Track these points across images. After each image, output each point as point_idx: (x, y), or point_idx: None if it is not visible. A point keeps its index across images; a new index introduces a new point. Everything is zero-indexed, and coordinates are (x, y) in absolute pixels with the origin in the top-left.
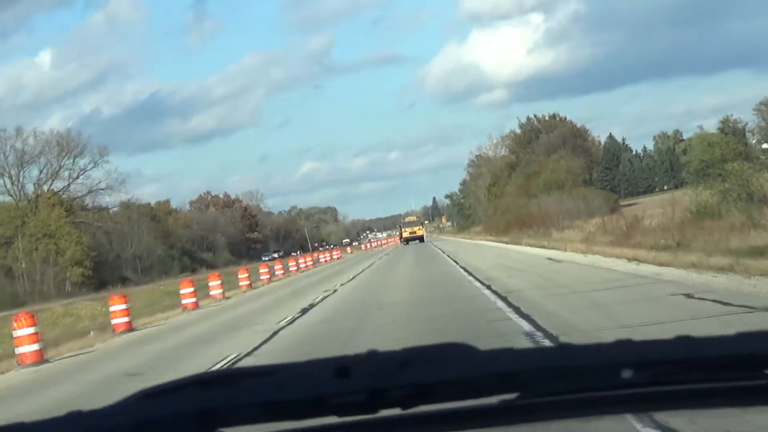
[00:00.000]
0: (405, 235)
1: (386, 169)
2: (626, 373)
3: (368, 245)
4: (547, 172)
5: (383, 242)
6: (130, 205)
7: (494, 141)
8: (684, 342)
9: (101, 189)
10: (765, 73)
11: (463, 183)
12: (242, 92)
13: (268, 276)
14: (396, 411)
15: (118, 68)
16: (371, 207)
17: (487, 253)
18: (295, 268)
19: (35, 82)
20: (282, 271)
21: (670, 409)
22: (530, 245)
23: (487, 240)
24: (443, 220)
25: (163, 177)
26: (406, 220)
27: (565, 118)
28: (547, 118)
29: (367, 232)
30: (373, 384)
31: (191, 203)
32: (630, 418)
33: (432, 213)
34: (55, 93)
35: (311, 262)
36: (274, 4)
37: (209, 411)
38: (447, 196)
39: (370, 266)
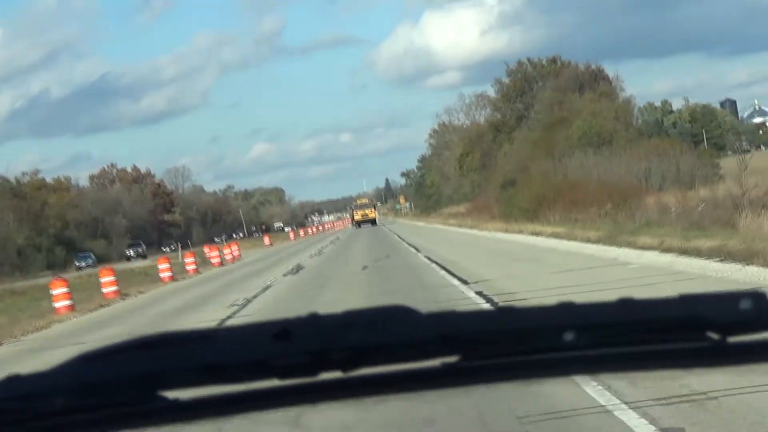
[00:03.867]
0: (357, 217)
1: (337, 151)
2: (568, 336)
3: (312, 230)
4: (583, 118)
5: (328, 226)
6: None
7: (466, 101)
8: (626, 304)
9: None
10: (716, 57)
11: (422, 159)
12: (193, 73)
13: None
14: (337, 374)
15: (68, 48)
16: (322, 189)
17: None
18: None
19: None
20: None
21: (613, 371)
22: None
23: (499, 229)
24: (401, 201)
25: (113, 159)
26: (358, 202)
27: (570, 63)
28: (545, 63)
29: (316, 214)
30: (314, 346)
31: (92, 178)
32: (574, 380)
33: (385, 194)
34: (3, 72)
35: (193, 265)
36: None
37: (149, 374)
38: (403, 174)
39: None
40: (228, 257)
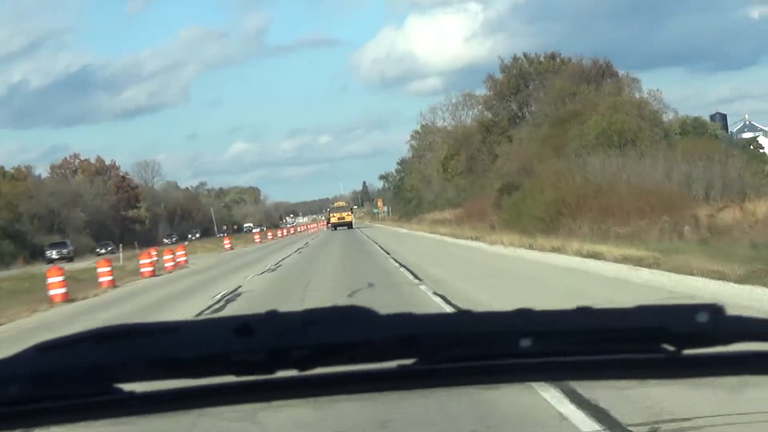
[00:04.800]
0: (333, 220)
1: (315, 152)
2: (525, 342)
3: (282, 232)
4: (601, 113)
5: (301, 228)
6: None
7: (453, 101)
8: (584, 313)
9: None
10: (698, 72)
11: (402, 162)
12: (174, 68)
13: None
14: (295, 372)
15: (50, 38)
16: (299, 190)
17: None
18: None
19: None
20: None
21: (569, 379)
22: None
23: (513, 244)
24: (379, 204)
25: (91, 152)
26: (335, 205)
27: (570, 60)
28: (542, 59)
29: (291, 215)
30: (272, 344)
31: (52, 168)
32: (531, 386)
33: (362, 198)
34: None
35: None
36: None
37: (106, 365)
38: (382, 177)
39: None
40: (169, 264)
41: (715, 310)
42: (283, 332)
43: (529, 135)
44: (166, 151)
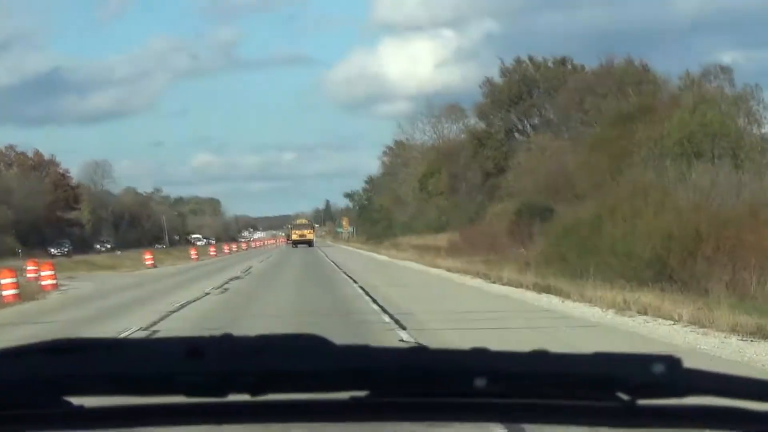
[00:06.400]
0: (294, 237)
1: (279, 169)
2: (479, 381)
3: (228, 247)
4: (687, 109)
5: (257, 243)
6: None
7: (435, 113)
8: (540, 356)
9: None
10: None
11: (370, 180)
12: (144, 76)
13: None
14: (245, 397)
15: (22, 38)
16: (260, 205)
17: None
18: None
19: None
20: None
21: (522, 422)
22: None
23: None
24: (344, 223)
25: (56, 154)
26: (297, 222)
27: (583, 67)
28: (551, 64)
29: (250, 229)
30: (224, 367)
31: None
32: (482, 427)
33: (324, 216)
34: None
35: None
36: None
37: (56, 378)
38: (347, 195)
39: None
40: (9, 292)
41: (672, 362)
42: (235, 356)
43: (561, 140)
44: (130, 158)
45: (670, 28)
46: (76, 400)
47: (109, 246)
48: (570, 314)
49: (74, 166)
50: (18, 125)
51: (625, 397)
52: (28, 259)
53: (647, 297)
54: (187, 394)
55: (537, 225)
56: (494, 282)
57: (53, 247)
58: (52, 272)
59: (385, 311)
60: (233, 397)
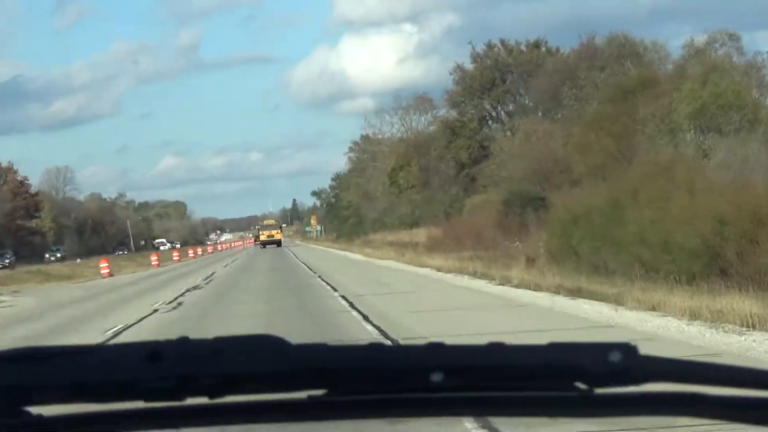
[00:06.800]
0: (262, 238)
1: (245, 169)
2: (436, 376)
3: (197, 251)
4: (698, 80)
5: (222, 246)
6: None
7: (403, 104)
8: (495, 349)
9: None
10: None
11: (337, 177)
12: (106, 81)
13: None
14: (204, 400)
15: None
16: (227, 207)
17: None
18: None
19: None
20: None
21: (480, 414)
22: None
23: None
24: (312, 222)
25: (18, 163)
26: (265, 222)
27: (557, 49)
28: (523, 48)
29: (218, 231)
30: (182, 370)
31: None
32: (441, 421)
33: (291, 216)
34: None
35: None
36: None
37: (15, 388)
38: (314, 194)
39: None
40: None
41: (627, 349)
42: (192, 359)
43: (548, 123)
44: (94, 164)
45: (632, 15)
46: (34, 410)
47: (59, 255)
48: (663, 336)
49: (37, 175)
50: None
51: (582, 386)
52: None
53: (731, 301)
54: (146, 399)
55: (530, 215)
56: (501, 284)
57: None
58: None
59: (386, 335)
60: (192, 400)
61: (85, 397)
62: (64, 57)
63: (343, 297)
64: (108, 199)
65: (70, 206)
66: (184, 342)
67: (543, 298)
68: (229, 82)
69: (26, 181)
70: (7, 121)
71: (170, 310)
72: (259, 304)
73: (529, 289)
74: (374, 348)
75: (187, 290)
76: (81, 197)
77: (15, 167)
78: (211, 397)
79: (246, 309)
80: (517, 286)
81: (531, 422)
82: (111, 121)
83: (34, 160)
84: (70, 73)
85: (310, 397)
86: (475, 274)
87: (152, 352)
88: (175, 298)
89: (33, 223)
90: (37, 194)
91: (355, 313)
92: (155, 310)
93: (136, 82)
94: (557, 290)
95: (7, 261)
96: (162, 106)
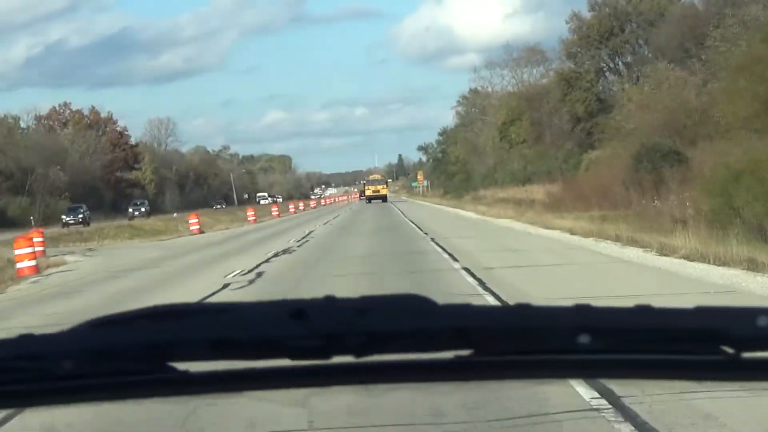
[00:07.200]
0: (368, 193)
1: (351, 124)
2: (582, 338)
3: (296, 206)
4: None
5: (327, 201)
6: None
7: (514, 56)
8: (643, 311)
9: None
10: None
11: (444, 132)
12: (212, 34)
13: None
14: (349, 358)
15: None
16: (332, 161)
17: None
18: None
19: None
20: None
21: (623, 377)
22: None
23: None
24: (419, 178)
25: (123, 115)
26: (370, 177)
27: None
28: None
29: (323, 186)
30: (329, 329)
31: (39, 119)
32: (586, 383)
33: (397, 171)
34: (24, 18)
35: None
36: None
37: (159, 344)
38: (421, 148)
39: None
40: None
41: None
42: (338, 318)
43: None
44: (200, 117)
45: None
46: (180, 366)
47: (143, 210)
48: None
49: (140, 127)
50: (87, 87)
51: (729, 350)
52: (32, 230)
53: None
54: (292, 356)
55: (666, 171)
56: (665, 254)
57: (67, 215)
58: (31, 250)
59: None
60: (337, 359)
61: (229, 354)
62: (171, 10)
63: (467, 270)
64: (212, 152)
65: (172, 158)
66: (329, 300)
67: (738, 279)
68: (334, 36)
69: (126, 132)
70: (114, 74)
71: (244, 285)
72: (361, 282)
73: (710, 263)
74: (521, 308)
75: (275, 255)
76: (184, 149)
77: (114, 118)
78: (357, 356)
79: (341, 289)
80: (687, 258)
81: (669, 385)
82: (216, 75)
83: (140, 113)
84: (177, 26)
85: (456, 357)
86: (619, 240)
87: (297, 310)
88: (257, 266)
89: (132, 174)
90: (137, 145)
91: (490, 298)
92: (225, 285)
93: (241, 36)
94: (751, 266)
95: (80, 217)
96: (268, 61)
